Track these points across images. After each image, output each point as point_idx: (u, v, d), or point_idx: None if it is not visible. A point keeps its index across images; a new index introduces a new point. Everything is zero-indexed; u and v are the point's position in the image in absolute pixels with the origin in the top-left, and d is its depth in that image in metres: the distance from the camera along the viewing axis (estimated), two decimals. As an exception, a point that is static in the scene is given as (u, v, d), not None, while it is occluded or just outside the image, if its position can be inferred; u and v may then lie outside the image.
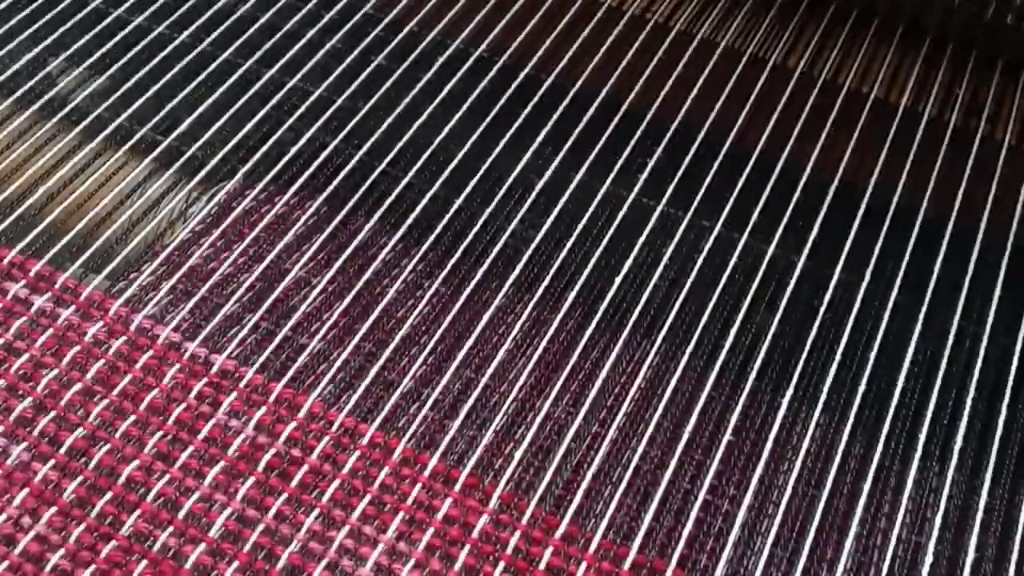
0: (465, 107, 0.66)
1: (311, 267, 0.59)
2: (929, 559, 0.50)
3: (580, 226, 0.61)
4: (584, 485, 0.51)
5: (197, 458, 0.50)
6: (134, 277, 0.57)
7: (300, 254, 0.59)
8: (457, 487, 0.51)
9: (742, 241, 0.60)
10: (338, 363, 0.54)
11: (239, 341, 0.55)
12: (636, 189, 0.62)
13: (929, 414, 0.54)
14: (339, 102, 0.66)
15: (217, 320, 0.55)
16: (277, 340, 0.55)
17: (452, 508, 0.50)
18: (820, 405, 0.54)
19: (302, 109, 0.65)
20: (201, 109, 0.65)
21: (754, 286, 0.59)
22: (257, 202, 0.61)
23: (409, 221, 0.60)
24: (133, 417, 0.51)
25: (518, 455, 0.52)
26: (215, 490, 0.49)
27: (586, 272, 0.59)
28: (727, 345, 0.56)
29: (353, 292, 0.57)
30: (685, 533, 0.50)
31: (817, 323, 0.57)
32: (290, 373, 0.53)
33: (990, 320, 0.58)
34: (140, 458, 0.50)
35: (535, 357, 0.56)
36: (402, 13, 0.71)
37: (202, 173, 0.62)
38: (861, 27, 0.74)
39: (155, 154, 0.62)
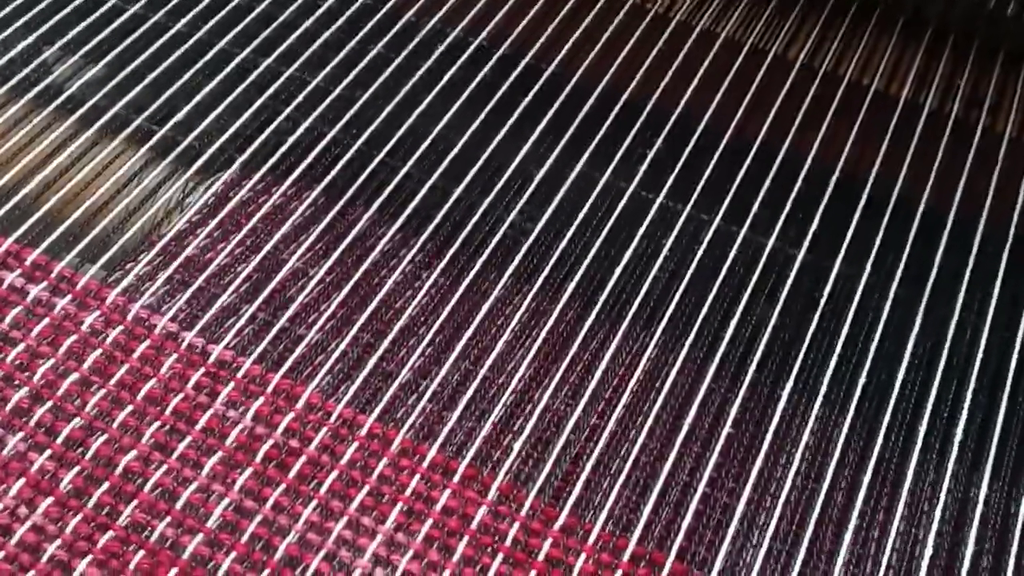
0: (464, 96, 0.65)
1: (309, 257, 0.58)
2: (928, 552, 0.50)
3: (580, 217, 0.60)
4: (583, 477, 0.51)
5: (195, 448, 0.50)
6: (131, 267, 0.57)
7: (298, 244, 0.59)
8: (456, 478, 0.50)
9: (742, 233, 0.60)
10: (336, 354, 0.54)
11: (237, 331, 0.54)
12: (636, 180, 0.62)
13: (929, 407, 0.54)
14: (337, 91, 0.65)
15: (214, 310, 0.55)
16: (275, 330, 0.54)
17: (451, 499, 0.50)
18: (820, 398, 0.54)
19: (300, 98, 0.65)
20: (198, 98, 0.64)
21: (754, 278, 0.58)
22: (255, 192, 0.61)
23: (408, 211, 0.60)
24: (130, 407, 0.51)
25: (517, 446, 0.52)
26: (213, 480, 0.49)
27: (585, 263, 0.58)
28: (727, 337, 0.56)
29: (351, 282, 0.57)
30: (684, 525, 0.50)
31: (817, 315, 0.57)
32: (288, 363, 0.53)
33: (991, 312, 0.57)
34: (137, 448, 0.50)
35: (534, 348, 0.55)
36: (400, 1, 0.71)
37: (199, 162, 0.61)
38: (862, 18, 0.73)
39: (151, 143, 0.62)
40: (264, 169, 0.61)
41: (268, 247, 0.58)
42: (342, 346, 0.54)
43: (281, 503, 0.49)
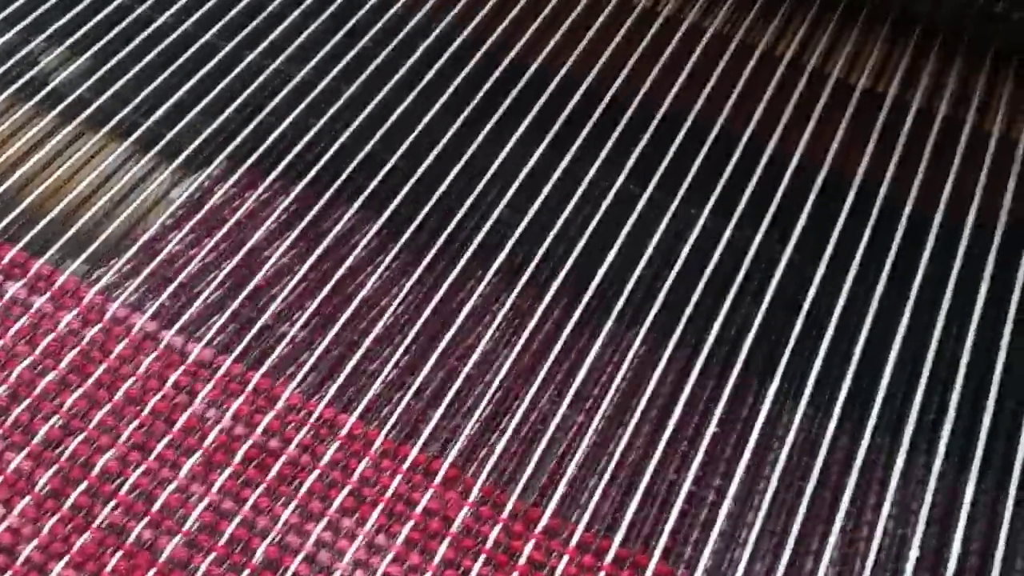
0: (448, 92, 0.65)
1: (292, 254, 0.58)
2: (915, 552, 0.49)
3: (564, 215, 0.60)
4: (567, 477, 0.51)
5: (173, 448, 0.50)
6: (112, 263, 0.56)
7: (281, 240, 0.58)
8: (438, 479, 0.50)
9: (728, 231, 0.60)
10: (318, 352, 0.54)
11: (217, 330, 0.54)
12: (621, 178, 0.62)
13: (916, 406, 0.54)
14: (322, 86, 0.65)
15: (195, 308, 0.54)
16: (255, 328, 0.54)
17: (432, 501, 0.49)
18: (806, 397, 0.54)
19: (284, 92, 0.64)
20: (182, 91, 0.64)
21: (740, 277, 0.58)
22: (239, 187, 0.60)
23: (391, 208, 0.59)
24: (108, 406, 0.50)
25: (500, 446, 0.51)
26: (192, 481, 0.49)
27: (570, 261, 0.58)
28: (712, 336, 0.56)
29: (334, 280, 0.56)
30: (670, 524, 0.49)
31: (803, 314, 0.57)
32: (268, 362, 0.53)
33: (977, 311, 0.57)
34: (115, 448, 0.49)
35: (518, 346, 0.55)
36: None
37: (182, 157, 0.61)
38: (850, 16, 0.73)
39: (134, 137, 0.61)
40: (248, 164, 0.61)
41: (250, 243, 0.58)
42: (324, 344, 0.54)
43: (261, 504, 0.48)
